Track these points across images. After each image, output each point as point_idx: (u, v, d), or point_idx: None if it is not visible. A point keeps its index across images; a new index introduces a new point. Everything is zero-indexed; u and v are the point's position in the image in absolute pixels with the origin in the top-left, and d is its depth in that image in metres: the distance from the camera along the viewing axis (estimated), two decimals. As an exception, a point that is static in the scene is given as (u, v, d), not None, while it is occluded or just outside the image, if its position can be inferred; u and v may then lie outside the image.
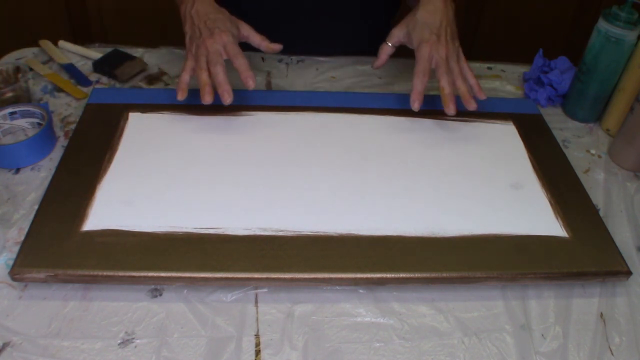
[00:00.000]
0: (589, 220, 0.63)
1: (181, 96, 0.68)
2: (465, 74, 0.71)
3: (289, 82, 0.85)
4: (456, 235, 0.59)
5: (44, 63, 0.84)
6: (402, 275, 0.55)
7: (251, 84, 0.68)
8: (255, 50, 0.90)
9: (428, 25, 0.70)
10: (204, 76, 0.66)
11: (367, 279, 0.55)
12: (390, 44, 0.73)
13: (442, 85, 0.68)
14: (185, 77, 0.69)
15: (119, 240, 0.55)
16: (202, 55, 0.67)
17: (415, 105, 0.69)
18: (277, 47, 0.72)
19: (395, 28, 0.73)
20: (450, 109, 0.69)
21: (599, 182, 0.72)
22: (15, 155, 0.65)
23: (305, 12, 0.88)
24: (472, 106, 0.69)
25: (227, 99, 0.66)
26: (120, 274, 0.53)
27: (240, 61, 0.67)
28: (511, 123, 0.77)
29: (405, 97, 0.80)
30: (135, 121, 0.71)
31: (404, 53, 0.93)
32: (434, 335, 0.53)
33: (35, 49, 0.87)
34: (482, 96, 0.71)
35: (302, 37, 0.89)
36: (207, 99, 0.66)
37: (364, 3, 0.89)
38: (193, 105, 0.74)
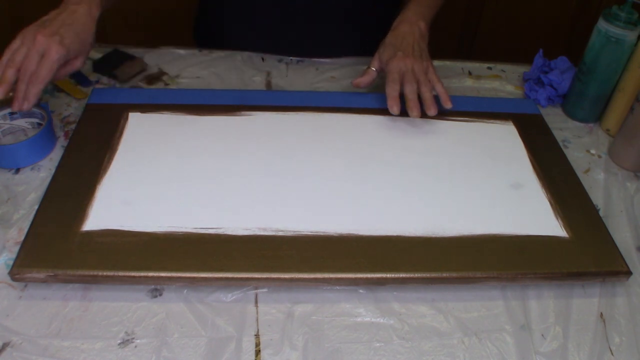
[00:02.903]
0: (589, 220, 0.63)
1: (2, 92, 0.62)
2: (434, 83, 0.74)
3: (289, 82, 0.85)
4: (456, 235, 0.59)
5: (44, 63, 0.84)
6: (402, 275, 0.55)
7: (20, 106, 0.63)
8: (255, 50, 0.91)
9: (394, 46, 0.75)
10: (9, 73, 0.62)
11: (367, 279, 0.55)
12: (373, 68, 0.76)
13: (406, 93, 0.72)
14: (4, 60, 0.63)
15: (119, 240, 0.55)
16: (25, 47, 0.63)
17: (394, 110, 0.72)
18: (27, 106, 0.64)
19: (375, 53, 0.77)
20: (414, 113, 0.72)
21: (599, 182, 0.72)
22: (15, 155, 0.65)
23: (297, 14, 0.88)
24: (431, 112, 0.72)
25: (24, 105, 0.63)
26: (120, 274, 0.53)
27: (32, 87, 0.62)
28: (511, 123, 0.77)
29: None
30: (135, 121, 0.71)
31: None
32: (434, 335, 0.53)
33: (35, 49, 0.87)
34: (447, 104, 0.74)
35: (295, 40, 0.89)
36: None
37: (354, 7, 0.90)
38: (193, 105, 0.74)
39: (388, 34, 0.77)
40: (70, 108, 0.76)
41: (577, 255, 0.58)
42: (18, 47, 0.64)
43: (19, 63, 0.63)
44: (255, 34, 0.91)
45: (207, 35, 0.99)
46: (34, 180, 0.65)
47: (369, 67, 0.76)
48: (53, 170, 0.64)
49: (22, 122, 0.69)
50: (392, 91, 0.72)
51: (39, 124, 0.70)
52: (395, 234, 0.59)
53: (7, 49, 0.64)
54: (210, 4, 0.95)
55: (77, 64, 0.68)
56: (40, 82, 0.63)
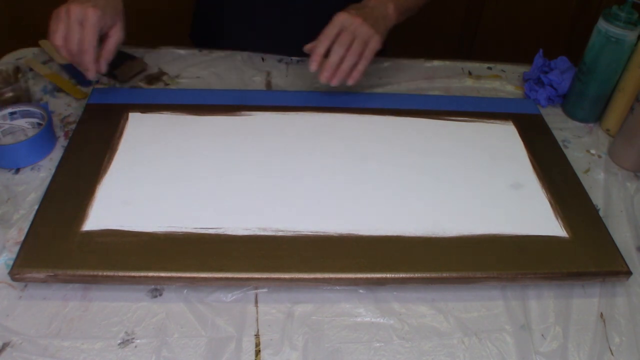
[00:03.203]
0: (589, 220, 0.63)
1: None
2: (361, 57, 0.69)
3: (289, 82, 0.85)
4: (456, 235, 0.59)
5: (44, 63, 0.84)
6: (402, 275, 0.55)
7: (90, 75, 0.68)
8: (255, 50, 0.91)
9: (354, 7, 0.71)
10: (60, 50, 0.66)
11: (367, 279, 0.55)
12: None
13: (331, 52, 0.68)
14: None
15: (119, 240, 0.55)
16: (62, 23, 0.65)
17: (312, 66, 0.69)
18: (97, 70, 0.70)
19: None
20: (322, 77, 0.69)
21: (599, 182, 0.72)
22: (15, 155, 0.65)
23: (297, 14, 0.88)
24: (333, 81, 0.69)
25: (101, 67, 0.69)
26: (120, 274, 0.53)
27: (85, 56, 0.66)
28: (511, 123, 0.77)
29: (405, 97, 0.81)
30: (135, 121, 0.71)
31: (404, 53, 0.93)
32: (434, 335, 0.53)
33: (35, 49, 0.87)
34: (349, 81, 0.70)
35: (295, 40, 0.89)
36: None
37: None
38: (193, 105, 0.74)
39: None
40: (70, 108, 0.76)
41: (577, 255, 0.58)
42: (57, 25, 0.65)
43: (63, 37, 0.65)
44: (255, 34, 0.91)
45: (206, 35, 0.99)
46: (34, 180, 0.65)
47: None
48: (53, 170, 0.64)
49: (22, 122, 0.70)
50: (319, 46, 0.69)
51: (39, 124, 0.70)
52: (395, 234, 0.59)
53: (49, 32, 0.66)
54: (209, 5, 0.95)
55: (117, 34, 0.69)
56: (90, 48, 0.65)
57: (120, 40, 0.70)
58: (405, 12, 0.78)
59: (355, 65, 0.70)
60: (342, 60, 0.69)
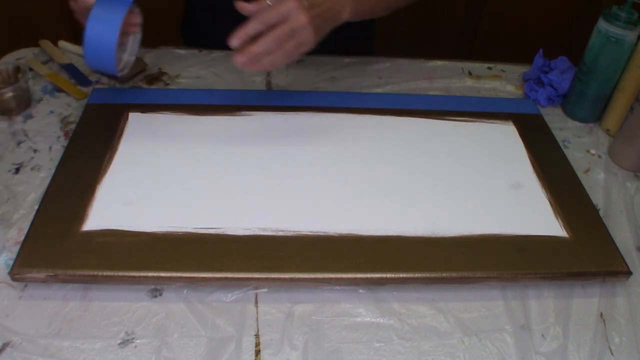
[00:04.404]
0: (589, 220, 0.63)
1: None
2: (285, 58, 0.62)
3: (289, 82, 0.85)
4: (456, 235, 0.59)
5: (44, 63, 0.84)
6: (402, 275, 0.55)
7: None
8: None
9: None
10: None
11: (367, 279, 0.55)
12: (269, 2, 0.62)
13: (262, 41, 0.60)
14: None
15: (119, 240, 0.55)
16: None
17: (233, 42, 0.61)
18: None
19: None
20: (239, 61, 0.61)
21: (599, 182, 0.72)
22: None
23: None
24: (247, 67, 0.61)
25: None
26: (120, 274, 0.53)
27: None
28: (511, 123, 0.77)
29: (405, 97, 0.81)
30: (135, 121, 0.71)
31: (404, 53, 0.93)
32: (434, 335, 0.53)
33: (35, 49, 0.87)
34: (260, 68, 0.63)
35: None
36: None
37: None
38: (193, 105, 0.74)
39: None
40: (70, 108, 0.76)
41: (577, 255, 0.58)
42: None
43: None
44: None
45: (198, 37, 0.98)
46: (34, 180, 0.65)
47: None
48: (53, 170, 0.64)
49: None
50: (250, 26, 0.60)
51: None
52: (395, 234, 0.59)
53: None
54: (198, 7, 0.95)
55: None
56: None
57: None
58: (365, 16, 0.71)
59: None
60: (267, 53, 0.61)
